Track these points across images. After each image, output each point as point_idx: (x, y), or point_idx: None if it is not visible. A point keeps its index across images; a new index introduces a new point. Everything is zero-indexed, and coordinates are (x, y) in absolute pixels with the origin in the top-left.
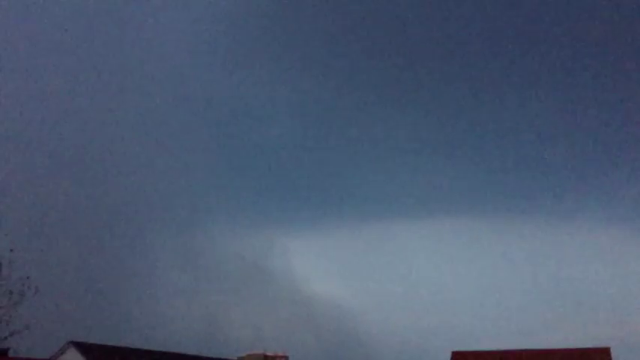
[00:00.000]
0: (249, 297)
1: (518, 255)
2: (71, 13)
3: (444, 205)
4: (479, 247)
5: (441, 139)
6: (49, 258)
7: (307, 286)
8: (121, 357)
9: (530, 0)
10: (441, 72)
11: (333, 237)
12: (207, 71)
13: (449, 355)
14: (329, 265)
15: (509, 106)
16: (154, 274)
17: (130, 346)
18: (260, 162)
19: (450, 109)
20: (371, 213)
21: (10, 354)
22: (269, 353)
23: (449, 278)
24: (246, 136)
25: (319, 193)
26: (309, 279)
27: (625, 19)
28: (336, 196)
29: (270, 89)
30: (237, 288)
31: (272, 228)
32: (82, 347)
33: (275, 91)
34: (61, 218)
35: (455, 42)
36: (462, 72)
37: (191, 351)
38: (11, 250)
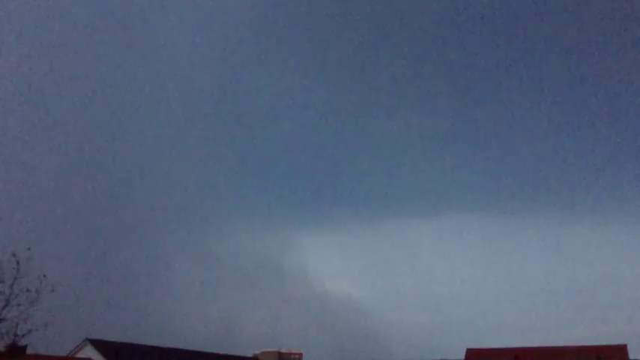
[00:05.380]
0: (264, 295)
1: (533, 253)
2: (79, 15)
3: (458, 203)
4: (494, 245)
5: (454, 138)
6: (65, 256)
7: (321, 284)
8: (137, 354)
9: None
10: (453, 71)
11: (347, 235)
12: (221, 72)
13: (463, 352)
14: (343, 263)
15: (522, 105)
16: (170, 272)
17: (145, 344)
18: (274, 161)
19: (463, 108)
20: (385, 211)
21: (28, 351)
22: (284, 350)
23: (463, 276)
24: (260, 136)
25: (333, 192)
26: (323, 277)
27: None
28: (350, 194)
29: (284, 90)
30: (252, 286)
31: (286, 227)
32: (98, 344)
33: (288, 92)
34: (78, 218)
35: (462, 41)
36: (474, 71)
37: (207, 348)
38: (28, 249)
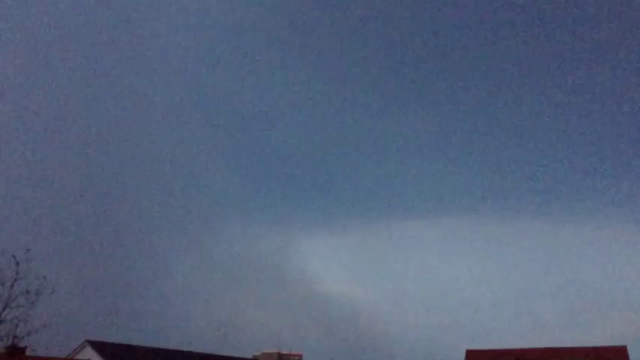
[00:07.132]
0: (264, 296)
1: (533, 254)
2: (81, 17)
3: (457, 204)
4: (494, 246)
5: (454, 140)
6: (65, 258)
7: (321, 285)
8: (137, 356)
9: (538, 1)
10: (454, 74)
11: (346, 237)
12: (221, 75)
13: (463, 354)
14: (343, 265)
15: (523, 108)
16: (170, 274)
17: (145, 345)
18: (274, 163)
19: (463, 111)
20: (384, 213)
21: (28, 353)
22: (283, 351)
23: (463, 277)
24: (259, 138)
25: (333, 194)
26: (323, 278)
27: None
28: (349, 196)
29: (283, 91)
30: (251, 287)
31: (286, 228)
32: (98, 346)
33: (287, 93)
34: (78, 220)
35: (462, 41)
36: (475, 74)
37: (207, 349)
38: (28, 250)
